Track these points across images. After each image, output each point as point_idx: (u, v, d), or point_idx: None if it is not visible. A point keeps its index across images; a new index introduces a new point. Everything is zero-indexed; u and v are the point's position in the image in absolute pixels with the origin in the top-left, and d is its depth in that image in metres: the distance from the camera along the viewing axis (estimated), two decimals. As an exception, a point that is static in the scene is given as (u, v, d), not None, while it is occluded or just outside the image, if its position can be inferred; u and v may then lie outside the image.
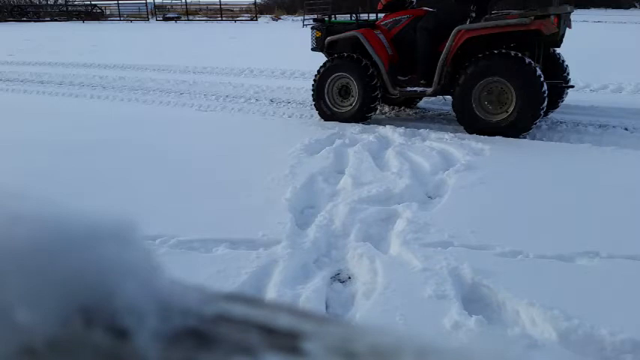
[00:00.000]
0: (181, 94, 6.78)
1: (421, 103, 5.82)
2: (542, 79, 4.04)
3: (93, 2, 30.26)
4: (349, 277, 2.31)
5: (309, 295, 2.08)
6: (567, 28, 4.64)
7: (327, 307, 2.08)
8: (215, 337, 0.24)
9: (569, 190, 3.07)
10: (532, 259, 2.29)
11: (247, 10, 28.89)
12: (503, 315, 1.96)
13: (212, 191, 3.14)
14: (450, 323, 1.86)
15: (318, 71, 5.02)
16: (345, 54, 4.86)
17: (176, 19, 27.74)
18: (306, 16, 20.60)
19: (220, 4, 27.78)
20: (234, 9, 29.69)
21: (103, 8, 30.63)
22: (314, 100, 5.10)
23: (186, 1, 29.11)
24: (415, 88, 4.71)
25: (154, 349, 0.22)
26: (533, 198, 2.98)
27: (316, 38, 5.21)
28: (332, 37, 5.02)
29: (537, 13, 4.08)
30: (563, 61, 4.85)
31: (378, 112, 5.14)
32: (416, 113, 5.50)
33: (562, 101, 4.91)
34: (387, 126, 4.56)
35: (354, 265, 2.36)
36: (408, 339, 0.23)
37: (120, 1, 28.79)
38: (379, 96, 4.82)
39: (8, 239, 0.23)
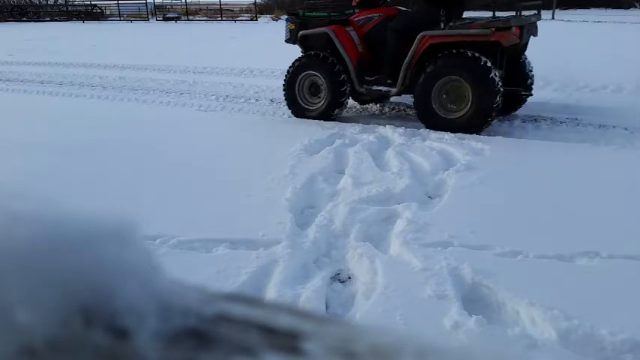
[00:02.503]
0: (181, 94, 6.78)
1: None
2: (497, 79, 4.18)
3: (93, 2, 30.25)
4: (349, 277, 2.31)
5: (309, 295, 2.08)
6: (532, 36, 4.83)
7: (327, 307, 2.08)
8: (215, 337, 0.24)
9: (569, 190, 3.07)
10: (532, 259, 2.29)
11: (247, 10, 28.88)
12: (503, 315, 1.96)
13: (212, 191, 3.14)
14: (450, 323, 1.86)
15: (289, 69, 5.10)
16: (313, 53, 4.96)
17: (176, 19, 27.73)
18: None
19: (220, 4, 27.77)
20: (234, 9, 29.68)
21: (103, 8, 30.62)
22: (285, 97, 5.21)
23: (186, 1, 29.11)
24: (381, 88, 4.79)
25: (154, 349, 0.22)
26: (533, 198, 2.98)
27: (290, 31, 5.25)
28: (304, 31, 5.07)
29: (499, 24, 4.23)
30: (530, 70, 4.98)
31: (378, 111, 5.14)
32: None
33: (520, 107, 5.03)
34: (387, 126, 4.56)
35: (354, 265, 2.36)
36: (408, 339, 0.23)
37: (120, 1, 28.78)
38: (347, 93, 4.91)
39: (8, 239, 0.23)
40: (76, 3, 31.05)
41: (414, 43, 4.46)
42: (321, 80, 4.94)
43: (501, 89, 4.23)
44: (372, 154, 3.82)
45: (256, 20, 25.78)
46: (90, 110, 5.91)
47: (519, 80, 4.89)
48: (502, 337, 1.79)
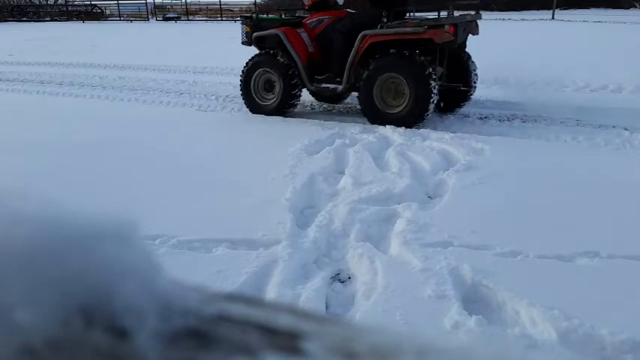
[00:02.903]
0: (181, 94, 6.78)
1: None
2: (432, 76, 4.44)
3: (93, 2, 30.25)
4: (349, 277, 2.31)
5: (309, 295, 2.08)
6: (471, 35, 5.06)
7: (327, 307, 2.08)
8: (215, 337, 0.24)
9: (569, 190, 3.07)
10: (532, 259, 2.29)
11: (247, 10, 28.88)
12: (503, 315, 1.96)
13: (212, 191, 3.14)
14: (450, 323, 1.86)
15: (244, 67, 5.37)
16: (267, 51, 5.23)
17: (176, 19, 27.73)
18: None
19: (220, 4, 27.77)
20: (234, 9, 29.67)
21: (103, 8, 30.61)
22: (242, 94, 5.46)
23: (186, 1, 29.10)
24: (329, 85, 5.07)
25: (154, 349, 0.22)
26: (533, 198, 2.98)
27: (246, 33, 5.52)
28: (258, 33, 5.33)
29: (431, 23, 4.49)
30: (473, 69, 5.21)
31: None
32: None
33: (464, 103, 5.26)
34: (387, 126, 4.56)
35: (354, 265, 2.36)
36: (408, 339, 0.23)
37: (120, 1, 28.78)
38: (299, 90, 5.20)
39: (8, 239, 0.23)
40: (76, 3, 31.04)
41: (356, 43, 4.72)
42: (274, 77, 5.20)
43: (436, 85, 4.49)
44: (372, 154, 3.81)
45: (256, 20, 25.74)
46: (90, 110, 5.91)
47: (461, 77, 5.12)
48: (502, 337, 1.79)
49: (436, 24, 4.47)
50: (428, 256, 2.30)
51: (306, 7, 5.53)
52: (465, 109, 5.32)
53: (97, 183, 3.29)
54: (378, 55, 4.60)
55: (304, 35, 5.21)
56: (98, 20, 28.65)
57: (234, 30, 19.46)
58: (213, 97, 6.50)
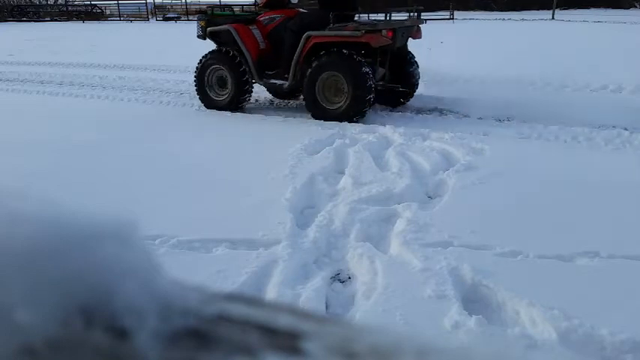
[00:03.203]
0: (181, 94, 6.78)
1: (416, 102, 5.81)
2: (369, 76, 4.74)
3: (93, 2, 30.24)
4: (349, 277, 2.31)
5: (309, 295, 2.08)
6: (412, 39, 5.52)
7: (327, 307, 2.08)
8: (215, 337, 0.24)
9: (568, 190, 3.07)
10: (532, 259, 2.29)
11: (247, 10, 28.85)
12: (503, 315, 1.96)
13: (212, 191, 3.14)
14: (450, 323, 1.86)
15: (198, 64, 5.61)
16: (219, 49, 5.51)
17: (176, 19, 27.72)
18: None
19: (220, 4, 27.78)
20: (234, 9, 29.62)
21: (102, 8, 30.58)
22: (197, 90, 5.71)
23: (186, 1, 29.08)
24: (277, 81, 5.31)
25: (154, 349, 0.22)
26: (533, 198, 2.98)
27: (201, 27, 5.73)
28: (212, 28, 5.57)
29: (368, 27, 4.79)
30: (415, 71, 5.61)
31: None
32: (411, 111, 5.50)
33: (407, 101, 5.68)
34: (387, 126, 4.56)
35: (354, 265, 2.36)
36: (408, 339, 0.23)
37: (120, 1, 28.77)
38: (250, 86, 5.49)
39: (8, 239, 0.23)
40: (76, 3, 31.02)
41: (301, 42, 4.99)
42: (226, 74, 5.45)
43: (373, 84, 4.79)
44: (372, 154, 3.81)
45: (256, 20, 25.72)
46: (90, 110, 5.91)
47: (404, 78, 5.50)
48: (502, 337, 1.79)
49: (373, 29, 4.77)
50: (428, 256, 2.30)
51: (260, 5, 5.75)
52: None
53: (97, 183, 3.29)
54: (321, 54, 4.87)
55: (256, 32, 5.43)
56: (98, 20, 28.63)
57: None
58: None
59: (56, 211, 0.25)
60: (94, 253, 0.24)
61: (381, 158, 3.81)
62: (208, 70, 5.57)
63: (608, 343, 1.73)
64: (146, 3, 28.47)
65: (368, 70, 4.73)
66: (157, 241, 2.44)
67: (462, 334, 1.79)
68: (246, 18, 5.64)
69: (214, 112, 5.67)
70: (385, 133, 4.42)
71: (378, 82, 5.12)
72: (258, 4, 5.86)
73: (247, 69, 5.33)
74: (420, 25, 5.56)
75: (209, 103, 5.65)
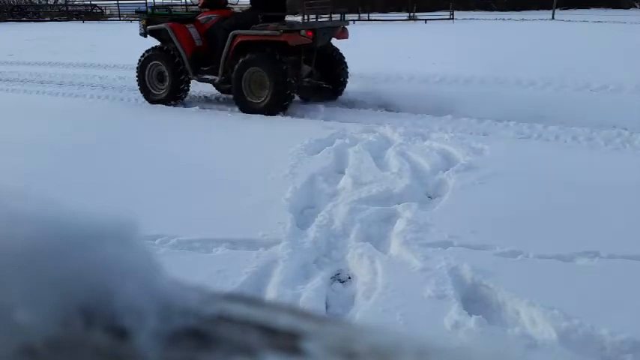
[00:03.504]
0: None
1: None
2: (289, 72, 5.14)
3: (93, 2, 30.22)
4: (349, 277, 2.31)
5: (309, 295, 2.08)
6: (337, 39, 5.85)
7: (327, 307, 2.08)
8: (215, 337, 0.24)
9: (569, 190, 3.07)
10: (532, 259, 2.29)
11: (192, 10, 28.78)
12: (503, 315, 1.96)
13: (212, 191, 3.14)
14: (450, 323, 1.86)
15: (139, 60, 6.03)
16: (158, 46, 5.96)
17: (176, 19, 27.67)
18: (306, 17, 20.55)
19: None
20: (234, 9, 29.58)
21: (102, 8, 30.55)
22: (138, 85, 6.11)
23: (186, 1, 29.08)
24: (209, 76, 5.72)
25: (154, 349, 0.22)
26: (533, 198, 2.98)
27: (143, 26, 6.17)
28: (151, 26, 6.01)
29: (286, 27, 5.19)
30: (343, 70, 6.01)
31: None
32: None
33: (337, 96, 6.05)
34: (387, 126, 4.56)
35: (354, 265, 2.36)
36: (408, 339, 0.23)
37: (120, 1, 28.75)
38: (186, 80, 5.89)
39: (8, 239, 0.23)
40: (76, 3, 31.00)
41: (228, 40, 5.38)
42: (164, 69, 5.86)
43: (292, 80, 5.22)
44: (372, 154, 3.81)
45: (256, 20, 25.71)
46: (90, 110, 5.91)
47: (331, 76, 5.94)
48: (502, 337, 1.79)
49: (291, 28, 5.21)
50: (428, 256, 2.30)
51: (199, 5, 6.18)
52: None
53: (97, 183, 3.29)
54: (247, 52, 5.27)
55: (193, 30, 5.82)
56: (98, 20, 28.62)
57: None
58: (214, 97, 6.50)
59: (56, 211, 0.25)
60: (94, 253, 0.24)
61: (381, 158, 3.81)
62: (149, 66, 5.96)
63: (608, 343, 1.73)
64: (146, 3, 28.47)
65: (288, 67, 5.13)
66: (157, 241, 2.44)
67: (462, 334, 1.79)
68: (184, 17, 6.06)
69: (215, 112, 5.67)
70: (385, 133, 4.42)
71: (304, 79, 5.66)
72: (197, 4, 6.32)
73: (183, 65, 5.72)
74: (346, 27, 5.99)
75: (149, 97, 6.05)
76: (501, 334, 1.81)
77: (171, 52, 5.74)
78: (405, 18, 21.47)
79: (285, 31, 5.11)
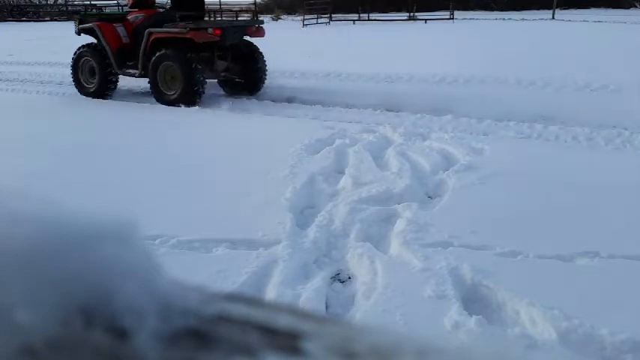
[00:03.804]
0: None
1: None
2: (197, 67, 5.70)
3: (93, 2, 30.21)
4: (349, 277, 2.31)
5: (309, 295, 2.08)
6: (251, 36, 6.45)
7: (327, 307, 2.08)
8: (215, 337, 0.24)
9: (569, 190, 3.07)
10: (532, 259, 2.29)
11: (247, 10, 28.83)
12: (503, 315, 1.96)
13: (212, 191, 3.14)
14: (450, 323, 1.86)
15: (73, 56, 6.64)
16: (90, 43, 6.54)
17: (176, 19, 27.67)
18: (306, 17, 20.58)
19: (220, 4, 27.72)
20: (234, 9, 29.60)
21: (102, 8, 30.51)
22: (72, 79, 6.71)
23: (119, 2, 29.01)
24: (130, 70, 6.27)
25: (154, 349, 0.22)
26: (533, 198, 2.97)
27: (78, 26, 6.76)
28: (82, 25, 6.62)
29: (193, 26, 5.78)
30: (260, 66, 6.55)
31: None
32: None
33: (256, 91, 6.60)
34: (387, 126, 4.56)
35: (354, 265, 2.36)
36: (408, 339, 0.23)
37: (120, 1, 28.74)
38: (114, 76, 6.48)
39: (8, 239, 0.23)
40: (75, 3, 30.98)
41: (144, 37, 5.96)
42: (94, 64, 6.44)
43: (201, 76, 5.77)
44: (372, 154, 3.81)
45: (256, 20, 25.71)
46: (89, 110, 5.90)
47: (249, 71, 6.50)
48: (502, 337, 1.79)
49: (198, 27, 5.79)
50: (428, 256, 2.30)
51: (128, 6, 6.71)
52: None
53: (97, 183, 3.29)
54: (161, 48, 5.81)
55: (120, 29, 6.40)
56: (98, 20, 28.55)
57: (234, 30, 19.41)
58: (214, 97, 6.50)
59: (56, 211, 0.25)
60: (94, 253, 0.24)
61: (381, 158, 3.80)
62: (81, 61, 6.58)
63: (608, 343, 1.73)
64: (146, 3, 28.45)
65: (197, 63, 5.73)
66: (157, 241, 2.44)
67: (462, 334, 1.79)
68: (114, 17, 6.70)
69: (215, 112, 5.67)
70: (385, 133, 4.42)
71: (221, 74, 6.36)
72: (127, 4, 6.86)
73: (109, 61, 6.30)
74: (262, 25, 6.63)
75: (82, 90, 6.64)
76: (501, 334, 1.81)
77: (100, 49, 6.33)
78: (405, 18, 21.47)
79: (191, 29, 5.67)
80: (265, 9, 29.88)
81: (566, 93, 6.07)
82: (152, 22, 6.09)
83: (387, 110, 5.64)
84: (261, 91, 6.81)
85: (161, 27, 5.89)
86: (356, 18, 21.57)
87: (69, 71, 7.22)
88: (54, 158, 3.85)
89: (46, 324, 0.22)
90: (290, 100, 6.34)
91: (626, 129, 4.48)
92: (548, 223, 2.64)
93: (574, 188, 3.10)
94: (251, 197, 3.02)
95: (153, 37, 5.92)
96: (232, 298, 0.27)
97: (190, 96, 5.74)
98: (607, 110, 5.14)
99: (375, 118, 5.22)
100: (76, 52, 6.60)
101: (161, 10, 6.64)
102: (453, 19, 19.96)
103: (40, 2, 32.19)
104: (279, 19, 26.36)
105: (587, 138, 4.27)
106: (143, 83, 6.57)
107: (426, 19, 19.87)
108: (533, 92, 6.16)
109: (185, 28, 5.68)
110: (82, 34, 6.72)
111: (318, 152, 3.86)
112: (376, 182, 3.21)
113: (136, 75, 6.19)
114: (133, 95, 6.84)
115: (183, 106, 5.68)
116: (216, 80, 6.61)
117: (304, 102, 6.16)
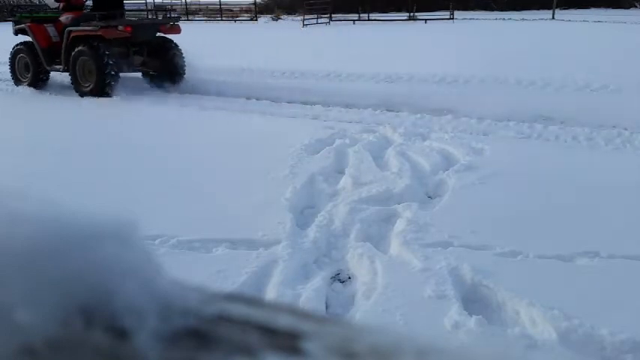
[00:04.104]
0: (181, 93, 6.78)
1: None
2: (109, 62, 6.35)
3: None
4: (349, 277, 2.31)
5: (309, 295, 2.08)
6: (164, 33, 7.15)
7: (327, 307, 2.08)
8: (215, 337, 0.24)
9: (569, 190, 3.07)
10: (532, 259, 2.29)
11: (247, 10, 28.82)
12: (503, 315, 1.96)
13: (212, 191, 3.14)
14: (450, 323, 1.86)
15: (10, 53, 7.31)
16: (25, 41, 7.13)
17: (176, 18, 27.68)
18: (306, 17, 20.58)
19: (220, 4, 27.73)
20: (234, 9, 29.60)
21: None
22: (11, 74, 7.40)
23: (186, 1, 29.07)
24: (57, 66, 6.91)
25: (154, 349, 0.22)
26: (533, 198, 2.97)
27: (14, 27, 7.37)
28: (17, 26, 7.28)
29: (103, 24, 6.44)
30: (177, 61, 7.19)
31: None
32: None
33: (176, 83, 7.18)
34: (387, 126, 4.56)
35: (354, 265, 2.36)
36: (408, 339, 0.23)
37: (50, 4, 28.70)
38: (45, 71, 7.11)
39: (8, 239, 0.23)
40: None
41: (65, 35, 6.64)
42: (28, 61, 7.11)
43: (112, 70, 6.39)
44: (372, 154, 3.81)
45: (256, 20, 25.75)
46: (89, 110, 5.90)
47: (166, 65, 7.14)
48: (502, 337, 1.79)
49: (107, 25, 6.44)
50: (428, 256, 2.30)
51: (59, 8, 7.27)
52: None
53: (97, 183, 3.29)
54: (80, 45, 6.47)
55: (51, 29, 7.02)
56: (98, 20, 28.55)
57: (234, 29, 19.47)
58: (214, 97, 6.50)
59: (56, 211, 0.25)
60: (94, 253, 0.24)
61: (381, 158, 3.80)
62: (17, 57, 7.26)
63: (608, 343, 1.73)
64: (146, 3, 28.46)
65: (110, 58, 6.36)
66: (156, 241, 2.44)
67: (462, 334, 1.79)
68: (46, 18, 7.24)
69: (213, 112, 5.67)
70: (385, 133, 4.42)
71: (137, 67, 7.08)
72: (58, 8, 7.45)
73: (40, 58, 6.93)
74: (177, 23, 7.36)
75: (17, 82, 7.33)
76: (501, 334, 1.81)
77: (32, 47, 6.99)
78: (405, 18, 21.47)
79: (102, 27, 6.35)
80: (265, 9, 29.86)
81: (566, 93, 6.07)
82: (77, 22, 6.71)
83: (387, 110, 5.63)
84: (261, 90, 6.81)
85: (82, 26, 6.56)
86: (356, 18, 21.56)
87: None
88: (54, 158, 3.85)
89: (46, 324, 0.22)
90: (290, 101, 6.34)
91: (626, 129, 4.48)
92: (548, 223, 2.64)
93: (574, 188, 3.10)
94: (251, 197, 3.02)
95: (72, 35, 6.60)
96: (232, 298, 0.27)
97: (103, 88, 6.39)
98: (607, 110, 5.14)
99: (375, 118, 5.21)
100: (13, 49, 7.30)
101: (86, 11, 7.27)
102: (453, 19, 19.95)
103: (40, 2, 32.17)
104: (279, 19, 26.36)
105: (587, 138, 4.27)
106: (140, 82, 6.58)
107: (426, 19, 19.86)
108: (533, 92, 6.16)
109: (97, 26, 6.36)
110: (18, 34, 7.35)
111: (318, 152, 3.86)
112: (376, 182, 3.21)
113: (61, 70, 6.82)
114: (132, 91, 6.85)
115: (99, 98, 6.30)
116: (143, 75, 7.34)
117: (305, 102, 6.16)
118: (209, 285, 0.29)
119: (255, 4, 27.91)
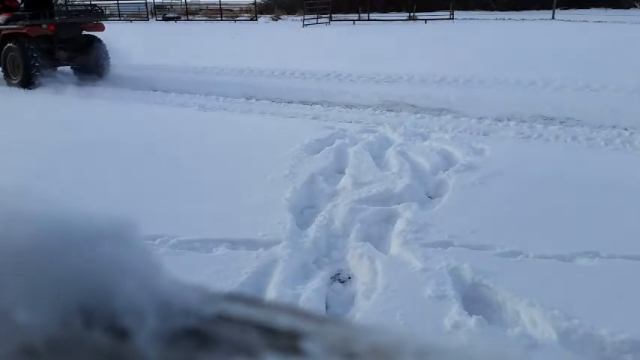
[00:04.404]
0: (181, 93, 6.78)
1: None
2: (33, 57, 7.10)
3: (93, 2, 30.21)
4: (349, 277, 2.31)
5: (309, 295, 2.08)
6: (89, 31, 8.17)
7: (327, 307, 2.08)
8: (215, 337, 0.24)
9: (569, 190, 3.07)
10: (532, 259, 2.29)
11: (247, 10, 28.82)
12: (503, 315, 1.96)
13: (212, 191, 3.14)
14: (450, 323, 1.86)
15: None
16: None
17: (176, 19, 27.71)
18: (306, 17, 20.57)
19: (220, 4, 27.73)
20: (234, 9, 29.60)
21: (103, 8, 30.52)
22: None
23: (186, 1, 29.07)
24: None
25: (154, 349, 0.22)
26: (533, 198, 2.97)
27: None
28: None
29: (27, 22, 7.21)
30: (100, 56, 7.97)
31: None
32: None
33: (99, 77, 7.85)
34: (387, 126, 4.56)
35: (354, 265, 2.36)
36: (408, 339, 0.23)
37: (120, 1, 28.75)
38: None
39: (8, 238, 0.23)
40: (75, 3, 30.97)
41: None
42: None
43: (35, 64, 7.13)
44: (372, 154, 3.81)
45: (256, 20, 25.74)
46: (89, 110, 5.90)
47: (91, 60, 7.89)
48: (502, 337, 1.79)
49: (32, 23, 7.17)
50: (428, 256, 2.30)
51: None
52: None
53: (97, 183, 3.29)
54: (9, 42, 7.21)
55: None
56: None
57: (235, 29, 19.48)
58: (214, 97, 6.50)
59: (56, 211, 0.25)
60: (94, 253, 0.24)
61: (381, 158, 3.80)
62: None
63: (608, 343, 1.73)
64: (146, 3, 28.45)
65: (32, 53, 7.08)
66: (156, 241, 2.44)
67: (462, 334, 1.79)
68: None
69: (213, 112, 5.67)
70: (385, 133, 4.42)
71: (62, 62, 7.75)
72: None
73: None
74: (101, 22, 8.44)
75: None
76: (501, 334, 1.81)
77: None
78: (405, 18, 21.47)
79: (27, 25, 7.10)
80: (265, 9, 29.86)
81: (566, 93, 6.07)
82: (9, 21, 7.38)
83: (387, 110, 5.64)
84: (260, 91, 6.82)
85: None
86: (356, 18, 21.56)
87: (69, 71, 7.78)
88: (54, 158, 3.85)
89: (45, 324, 0.22)
90: (290, 101, 6.34)
91: (626, 129, 4.48)
92: (548, 223, 2.64)
93: (574, 188, 3.10)
94: (251, 197, 3.02)
95: (3, 33, 7.38)
96: (232, 298, 0.27)
97: (29, 80, 7.15)
98: (607, 110, 5.14)
99: (375, 118, 5.21)
100: None
101: (19, 12, 7.84)
102: (452, 19, 19.94)
103: (40, 2, 32.13)
104: (279, 19, 26.35)
105: (587, 138, 4.27)
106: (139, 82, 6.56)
107: (426, 19, 19.86)
108: (533, 92, 6.16)
109: (22, 24, 7.09)
110: None
111: (318, 152, 3.86)
112: (376, 182, 3.21)
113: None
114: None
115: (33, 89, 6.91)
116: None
117: (305, 102, 6.16)
118: (209, 285, 0.29)
119: (255, 4, 27.90)
